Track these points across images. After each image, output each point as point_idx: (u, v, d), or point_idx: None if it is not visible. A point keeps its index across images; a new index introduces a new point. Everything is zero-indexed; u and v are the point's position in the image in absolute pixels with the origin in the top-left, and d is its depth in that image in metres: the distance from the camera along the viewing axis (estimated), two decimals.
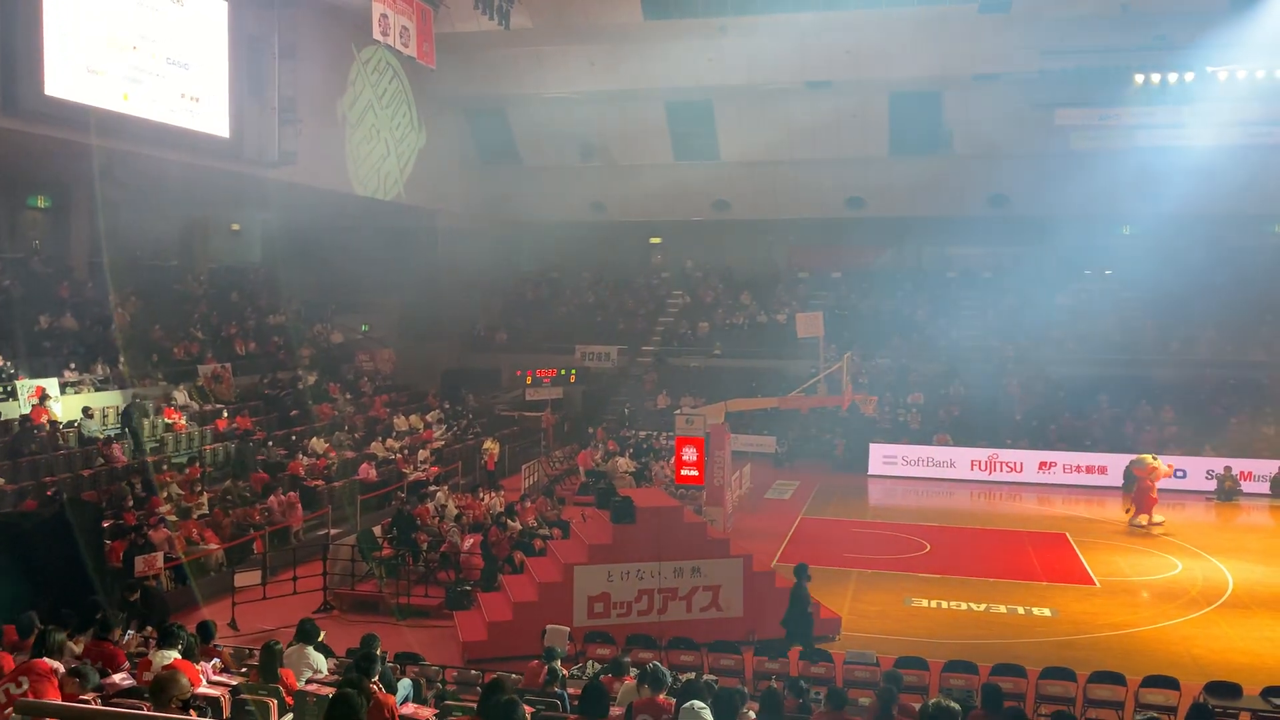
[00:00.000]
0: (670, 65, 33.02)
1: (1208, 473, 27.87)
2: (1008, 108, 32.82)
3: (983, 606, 17.24)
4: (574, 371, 35.59)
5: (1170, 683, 11.97)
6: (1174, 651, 14.87)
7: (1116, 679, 12.20)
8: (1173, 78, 30.74)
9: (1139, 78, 30.92)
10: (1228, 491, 27.07)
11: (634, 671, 10.47)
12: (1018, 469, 29.66)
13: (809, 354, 29.73)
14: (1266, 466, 27.71)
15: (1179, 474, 28.31)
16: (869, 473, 30.45)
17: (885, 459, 30.70)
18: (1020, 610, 17.02)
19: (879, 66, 32.03)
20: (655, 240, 43.20)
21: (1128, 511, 23.93)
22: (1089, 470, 29.13)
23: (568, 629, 13.71)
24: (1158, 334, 34.97)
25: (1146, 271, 37.27)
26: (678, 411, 24.39)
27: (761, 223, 39.45)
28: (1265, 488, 27.36)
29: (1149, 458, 24.10)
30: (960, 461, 30.14)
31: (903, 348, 35.99)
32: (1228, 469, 27.45)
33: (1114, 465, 28.66)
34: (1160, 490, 27.82)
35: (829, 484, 28.89)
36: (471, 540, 18.08)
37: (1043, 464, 29.57)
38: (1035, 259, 38.94)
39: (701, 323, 38.80)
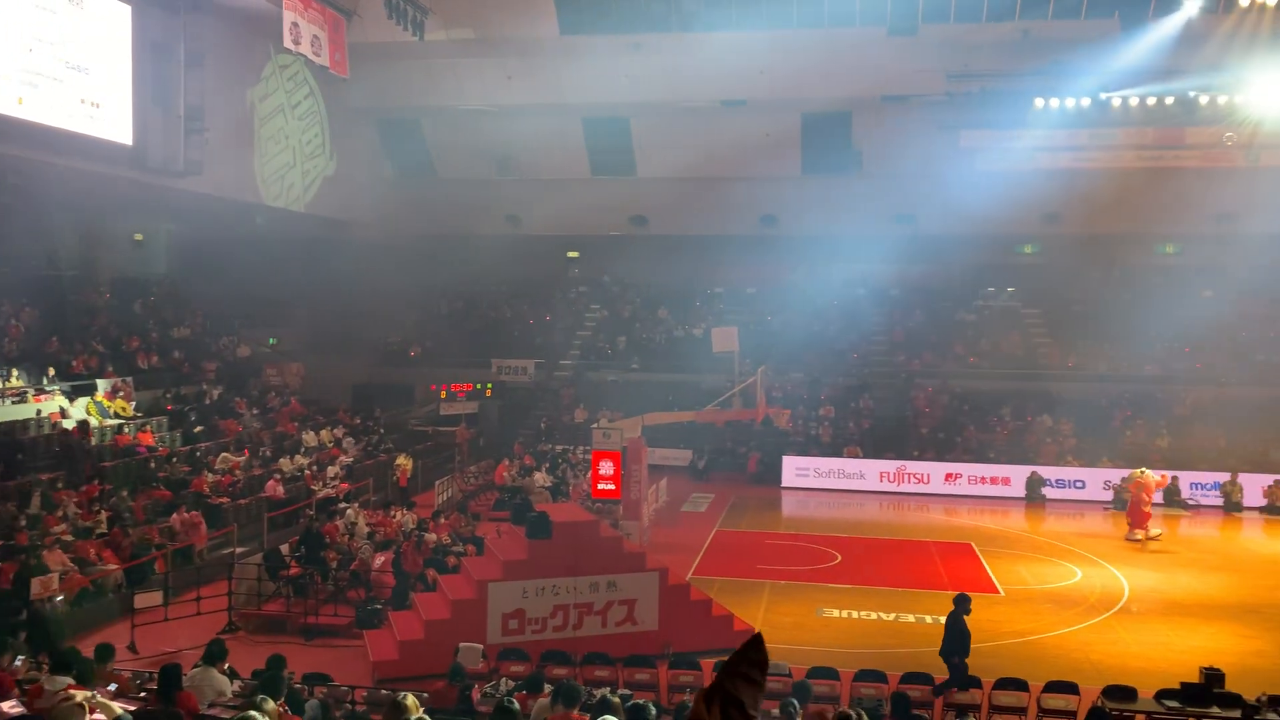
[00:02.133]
0: (587, 81, 33.16)
1: (1105, 483, 28.89)
2: (915, 129, 33.68)
3: (892, 616, 17.56)
4: (490, 386, 35.35)
5: (1070, 688, 12.35)
6: (1074, 657, 15.34)
7: (1020, 685, 12.54)
8: (1070, 102, 31.96)
9: (1039, 101, 32.06)
10: (1124, 501, 28.04)
11: (549, 688, 10.41)
12: (925, 480, 30.34)
13: (725, 368, 30.04)
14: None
15: (1077, 484, 29.39)
16: (783, 485, 30.83)
17: (798, 471, 31.13)
18: (928, 619, 17.37)
19: (791, 87, 32.61)
20: (573, 254, 43.19)
21: (1130, 527, 24.24)
22: (993, 481, 29.95)
23: (481, 646, 13.58)
24: (1057, 349, 36.19)
25: (1047, 289, 38.66)
26: (595, 425, 24.38)
27: (678, 238, 39.76)
28: (1159, 497, 28.43)
29: (1138, 472, 24.67)
30: (870, 473, 30.72)
31: (814, 362, 36.59)
32: (1124, 480, 28.45)
33: (1016, 476, 29.60)
34: (1062, 501, 28.91)
35: (744, 496, 29.17)
36: (382, 558, 17.79)
37: (949, 475, 30.30)
38: (942, 276, 40.03)
39: (619, 337, 38.91)
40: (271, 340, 35.16)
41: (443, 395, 33.66)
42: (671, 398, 33.63)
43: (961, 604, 13.06)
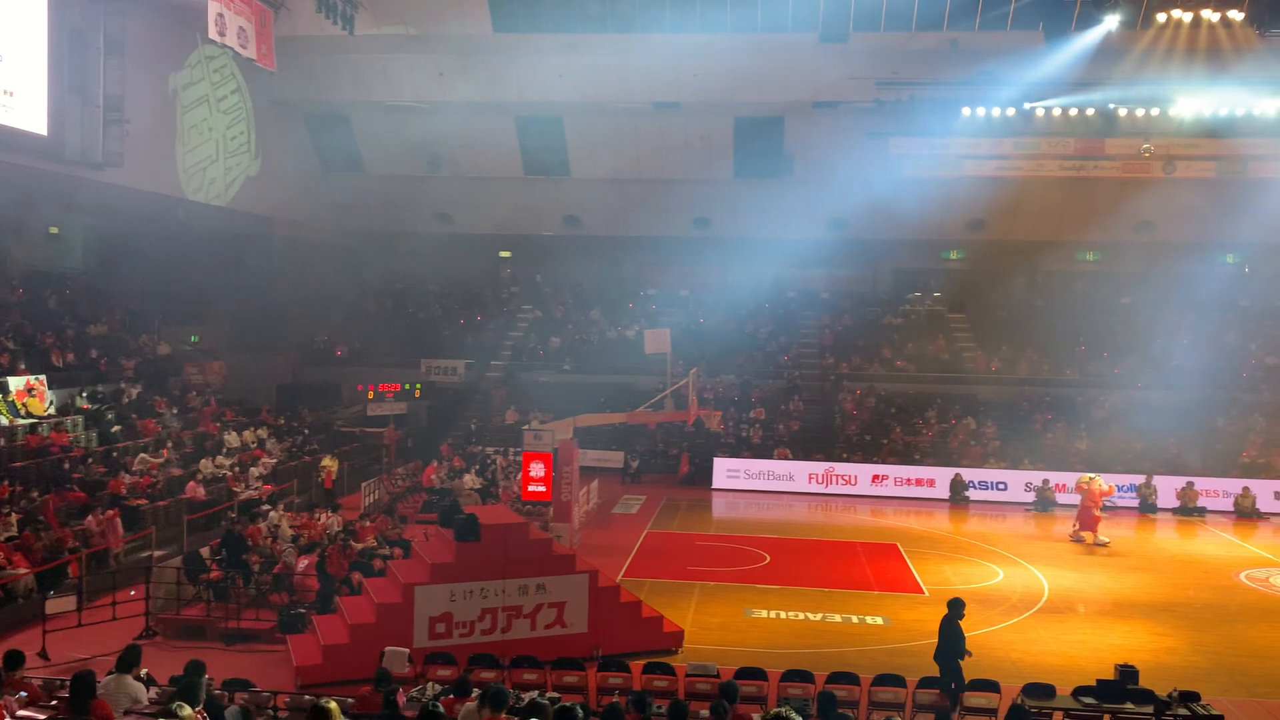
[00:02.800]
0: (520, 80, 33.00)
1: (1026, 485, 29.56)
2: (846, 135, 34.11)
3: (819, 616, 17.74)
4: (419, 386, 34.93)
5: (991, 685, 12.59)
6: (995, 656, 15.64)
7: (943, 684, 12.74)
8: (996, 112, 32.69)
9: (966, 110, 32.72)
10: (1045, 503, 28.76)
11: (476, 692, 10.29)
12: (852, 482, 30.74)
13: (657, 370, 30.11)
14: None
15: (999, 486, 30.03)
16: (713, 486, 30.99)
17: (729, 473, 31.31)
18: (854, 619, 17.60)
19: (724, 90, 32.84)
20: (505, 254, 42.91)
21: (1077, 529, 24.79)
22: (918, 483, 30.46)
23: (407, 650, 13.38)
24: (981, 353, 36.97)
25: (972, 294, 39.51)
26: (526, 427, 24.23)
27: (612, 239, 39.76)
28: (1078, 499, 29.15)
29: (1086, 477, 25.14)
30: (799, 475, 31.03)
31: (746, 364, 36.88)
32: (1045, 482, 29.17)
33: (940, 478, 30.14)
34: (985, 502, 29.51)
35: (675, 498, 29.25)
36: (306, 561, 17.44)
37: (875, 477, 30.74)
38: (870, 281, 40.68)
39: (551, 338, 38.75)
40: (193, 338, 34.27)
41: (370, 396, 33.18)
42: (604, 399, 33.59)
43: (955, 608, 13.17)
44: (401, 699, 11.10)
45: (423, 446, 32.79)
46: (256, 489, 23.74)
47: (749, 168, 36.88)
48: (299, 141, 37.06)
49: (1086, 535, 24.37)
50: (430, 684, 12.42)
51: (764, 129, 35.91)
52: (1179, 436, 31.73)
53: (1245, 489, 28.61)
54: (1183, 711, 11.81)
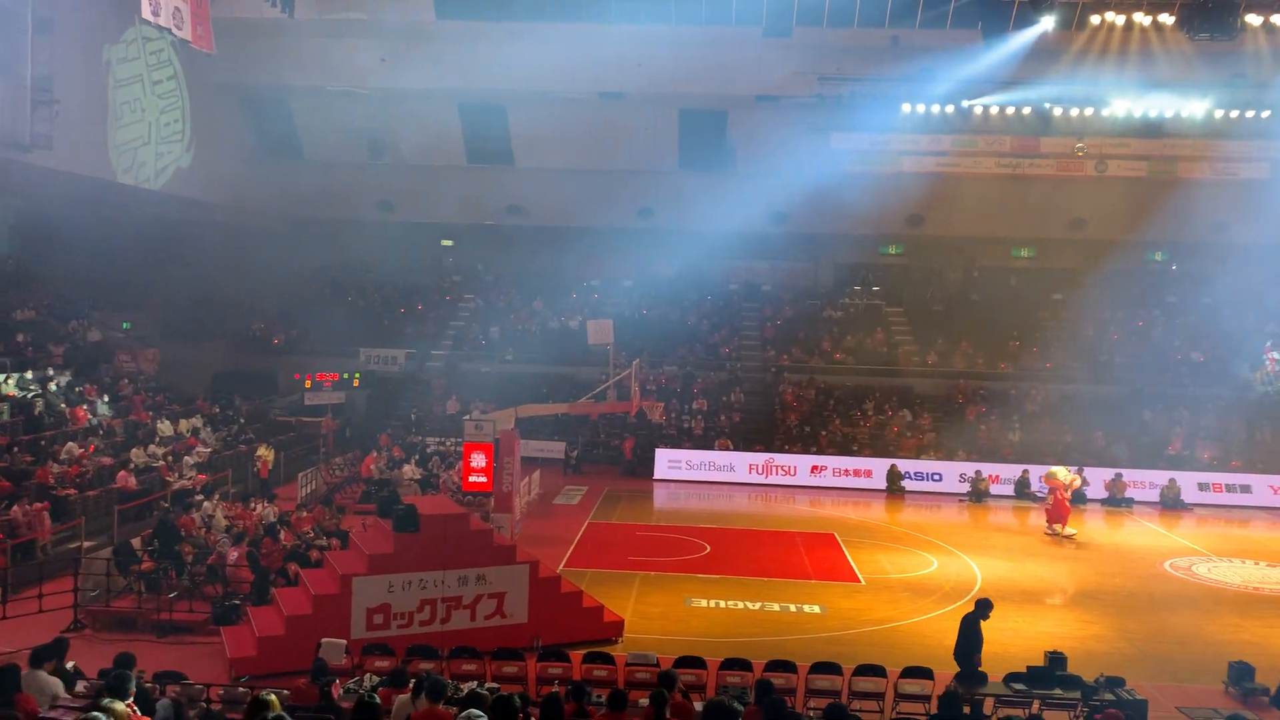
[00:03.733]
0: (464, 67, 32.72)
1: (961, 476, 30.12)
2: (788, 129, 34.38)
3: (758, 605, 17.91)
4: (358, 375, 34.54)
5: (926, 673, 12.83)
6: (929, 644, 15.93)
7: (878, 671, 12.95)
8: (935, 109, 33.18)
9: (906, 106, 33.16)
10: (978, 493, 29.34)
11: (413, 683, 10.24)
12: (792, 472, 31.06)
13: (600, 361, 30.12)
14: (1012, 470, 30.21)
15: (934, 477, 30.56)
16: (655, 477, 31.10)
17: (670, 463, 31.44)
18: (792, 608, 17.80)
19: (669, 82, 32.88)
20: (447, 243, 42.52)
21: (1049, 521, 25.07)
22: (855, 473, 30.87)
23: (344, 642, 13.26)
24: (918, 347, 37.55)
25: (909, 289, 40.10)
26: (467, 417, 24.09)
27: (555, 229, 39.61)
28: (1010, 490, 29.84)
29: (1055, 470, 25.52)
30: (739, 465, 31.27)
31: (688, 356, 37.03)
32: (978, 473, 29.76)
33: (877, 469, 30.58)
34: (920, 492, 30.00)
35: (617, 489, 29.30)
36: (237, 552, 17.16)
37: (814, 468, 31.09)
38: (811, 274, 41.08)
39: (493, 327, 38.53)
40: (125, 325, 33.46)
41: (308, 384, 32.73)
42: (546, 390, 33.52)
43: (982, 609, 13.24)
44: (338, 690, 11.00)
45: (361, 436, 32.44)
46: (190, 479, 23.31)
47: (693, 159, 37.01)
48: (237, 125, 36.35)
49: (1057, 527, 24.78)
50: (368, 675, 12.34)
51: (708, 121, 36.07)
52: (1108, 429, 32.56)
53: (1171, 480, 29.45)
54: (1109, 696, 12.14)
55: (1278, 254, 37.24)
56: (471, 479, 21.39)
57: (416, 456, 27.90)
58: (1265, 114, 32.68)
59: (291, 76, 33.87)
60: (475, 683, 11.91)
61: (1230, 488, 30.00)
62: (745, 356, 37.58)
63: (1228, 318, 38.39)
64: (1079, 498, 28.72)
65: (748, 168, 36.30)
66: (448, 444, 29.30)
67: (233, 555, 17.09)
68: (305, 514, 20.49)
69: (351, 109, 35.21)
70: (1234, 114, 32.88)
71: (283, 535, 18.35)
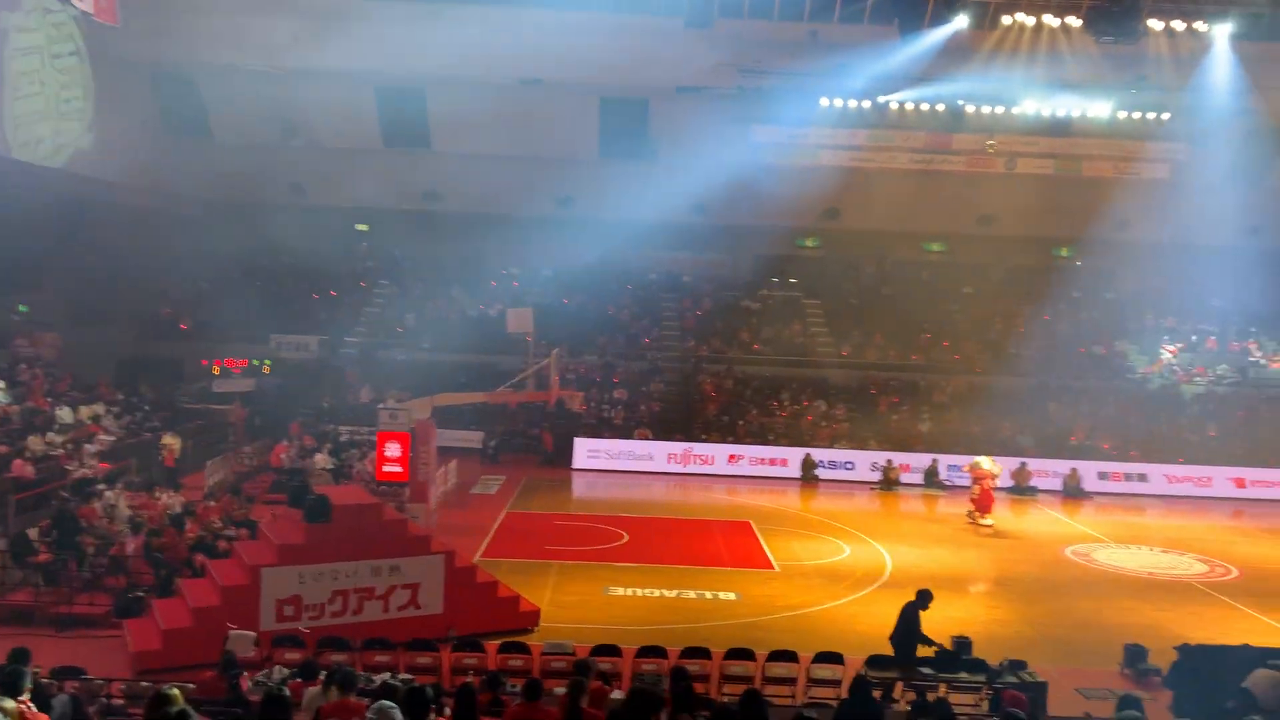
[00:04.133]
0: (380, 49, 32.03)
1: (872, 465, 30.73)
2: (709, 120, 34.52)
3: (674, 593, 18.04)
4: (268, 362, 33.77)
5: (836, 658, 13.08)
6: (841, 629, 16.25)
7: (791, 657, 13.17)
8: (852, 103, 33.66)
9: (824, 101, 33.57)
10: (889, 482, 29.96)
11: (324, 674, 10.08)
12: (709, 461, 31.32)
13: (519, 350, 29.93)
14: (921, 459, 30.93)
15: (847, 466, 31.13)
16: (574, 467, 31.06)
17: (590, 453, 31.44)
18: (708, 595, 17.98)
19: (589, 70, 32.70)
20: (362, 227, 41.67)
21: (972, 514, 25.49)
22: (771, 462, 31.28)
23: (253, 634, 12.99)
24: (833, 338, 38.13)
25: (826, 281, 40.66)
26: (382, 406, 23.70)
27: (474, 216, 39.14)
28: (920, 478, 30.54)
29: (979, 460, 25.88)
30: (658, 455, 31.42)
31: (608, 345, 37.03)
32: (889, 461, 30.40)
33: (792, 458, 31.02)
34: (834, 481, 30.53)
35: (535, 478, 29.19)
36: (135, 543, 16.64)
37: (731, 457, 31.41)
38: (731, 265, 41.37)
39: (409, 315, 37.96)
40: (21, 308, 32.11)
41: (216, 371, 31.91)
42: (463, 378, 33.17)
43: (922, 599, 13.44)
44: (246, 683, 10.78)
45: (271, 424, 31.63)
46: (91, 467, 22.52)
47: (614, 148, 36.95)
48: (142, 103, 35.08)
49: (980, 516, 25.27)
50: (277, 667, 12.11)
51: (629, 110, 36.05)
52: (1014, 420, 33.53)
53: (1073, 470, 30.46)
54: (1011, 679, 12.52)
55: (1177, 252, 38.69)
56: (386, 469, 21.08)
57: (329, 445, 27.39)
58: (1166, 116, 33.89)
59: (200, 54, 32.82)
60: (388, 674, 11.80)
61: (1128, 476, 31.20)
62: (665, 347, 37.72)
63: (1128, 313, 39.87)
64: None
65: (669, 158, 36.35)
66: (361, 433, 28.82)
67: (130, 546, 16.57)
68: (213, 504, 20.00)
69: (263, 89, 34.28)
70: (1137, 115, 34.04)
71: (189, 526, 17.87)
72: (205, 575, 15.29)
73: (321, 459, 25.92)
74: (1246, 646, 13.06)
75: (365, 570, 14.56)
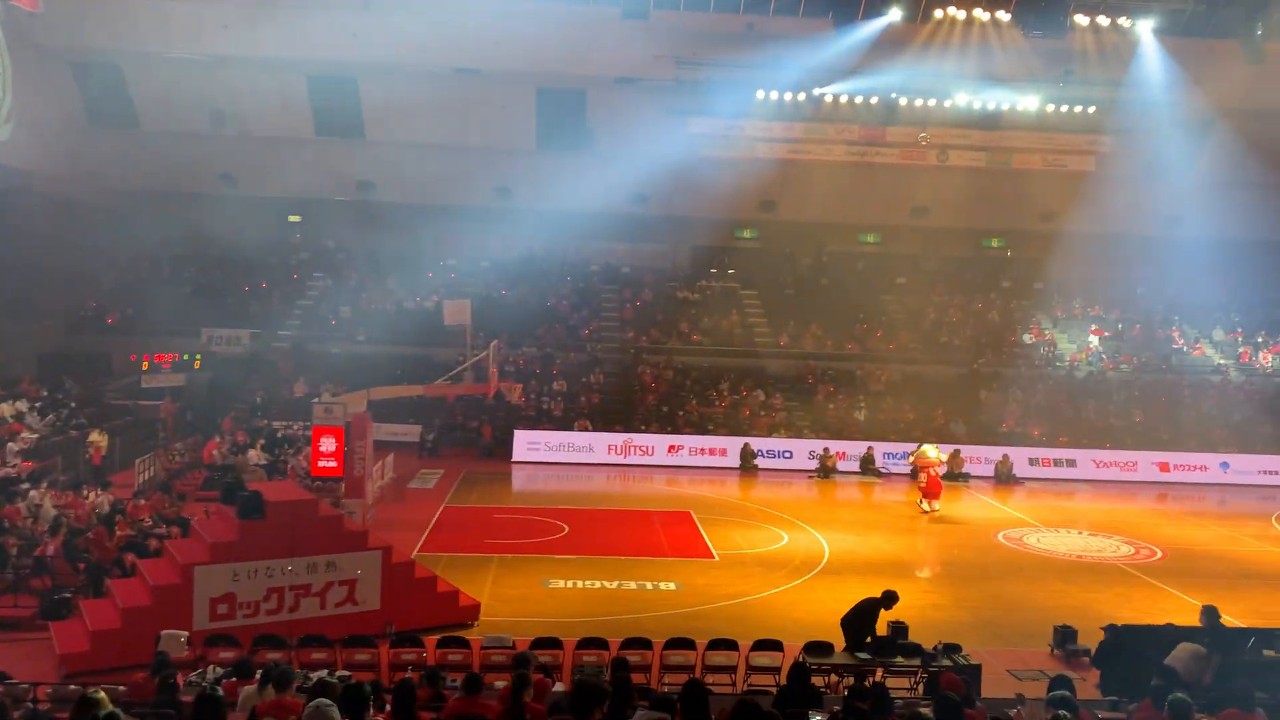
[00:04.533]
0: (312, 36, 31.52)
1: (810, 453, 31.06)
2: (646, 112, 34.54)
3: (615, 584, 18.07)
4: (199, 357, 33.06)
5: (775, 645, 13.21)
6: (780, 616, 16.41)
7: (731, 645, 13.26)
8: (788, 96, 33.90)
9: (760, 93, 33.76)
10: (826, 470, 30.32)
11: (260, 673, 9.92)
12: (650, 452, 31.40)
13: (456, 342, 29.68)
14: (857, 447, 31.36)
15: (785, 455, 31.43)
16: (513, 459, 30.92)
17: (529, 445, 31.32)
18: (649, 586, 18.03)
19: (526, 59, 32.53)
20: (294, 219, 40.98)
21: (921, 501, 25.70)
22: (711, 452, 31.46)
23: (186, 634, 12.74)
24: (771, 329, 38.46)
25: (763, 272, 40.98)
26: (316, 400, 23.39)
27: (410, 206, 38.71)
28: (856, 466, 30.95)
29: (924, 449, 26.08)
30: (598, 446, 31.41)
31: (547, 337, 36.90)
32: (826, 449, 30.75)
33: (732, 447, 31.24)
34: (772, 470, 30.80)
35: (474, 472, 29.00)
36: (54, 543, 16.17)
37: (672, 447, 31.52)
38: (670, 257, 41.50)
39: (344, 307, 37.43)
40: None
41: (145, 366, 31.12)
42: (400, 371, 32.83)
43: (887, 600, 13.54)
44: (181, 683, 10.56)
45: (203, 420, 31.01)
46: (15, 466, 21.87)
47: (552, 139, 36.76)
48: (64, 91, 34.07)
49: (928, 503, 25.58)
50: (211, 667, 11.89)
51: (567, 101, 35.91)
52: (947, 407, 34.15)
53: (1005, 456, 31.12)
54: (946, 663, 12.76)
55: (1103, 242, 39.73)
56: (321, 464, 20.80)
57: (262, 441, 26.95)
58: (1092, 109, 34.69)
59: (126, 41, 31.97)
60: (325, 671, 11.64)
61: (1058, 462, 31.95)
62: (605, 338, 37.71)
63: (1057, 302, 40.81)
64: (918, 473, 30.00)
65: (607, 149, 36.27)
66: (296, 428, 28.37)
67: (50, 547, 16.12)
68: (143, 502, 19.55)
69: (191, 76, 33.49)
70: (1064, 109, 34.78)
71: (119, 524, 17.45)
72: (135, 575, 14.95)
73: (255, 455, 25.51)
74: (1171, 625, 13.49)
75: (301, 567, 14.35)
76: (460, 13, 30.62)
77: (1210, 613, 12.96)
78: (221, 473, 24.07)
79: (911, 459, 27.15)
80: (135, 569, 15.15)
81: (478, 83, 34.03)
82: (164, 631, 12.46)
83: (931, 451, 25.89)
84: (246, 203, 37.45)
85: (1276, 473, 31.88)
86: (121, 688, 10.25)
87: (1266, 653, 13.14)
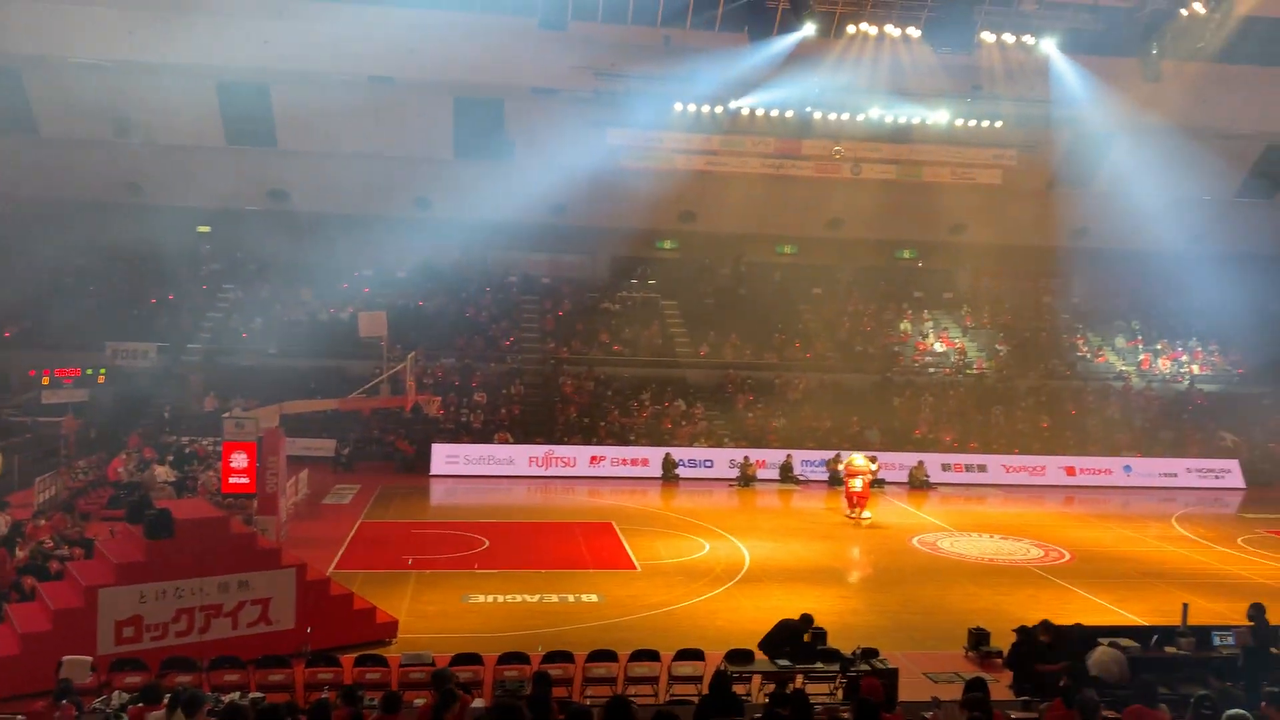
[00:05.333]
0: (222, 43, 30.82)
1: (730, 462, 31.31)
2: (565, 122, 34.49)
3: (536, 597, 17.95)
4: (103, 371, 31.94)
5: (697, 654, 13.25)
6: (702, 625, 16.47)
7: (653, 656, 13.26)
8: (706, 109, 34.21)
9: (679, 105, 34.01)
10: (746, 478, 30.58)
11: (169, 697, 9.61)
12: (571, 464, 31.31)
13: (372, 354, 29.22)
14: (777, 455, 31.71)
15: (706, 464, 31.63)
16: (432, 473, 30.54)
17: (448, 459, 30.98)
18: (570, 598, 17.95)
19: (442, 69, 32.27)
20: (204, 229, 39.90)
21: (851, 511, 25.84)
22: (633, 463, 31.52)
23: (90, 659, 12.27)
24: (691, 339, 38.70)
25: (683, 283, 41.23)
26: (227, 415, 22.79)
27: (324, 216, 38.02)
28: (775, 474, 31.28)
29: (853, 458, 26.23)
30: (519, 459, 31.22)
31: (467, 348, 36.56)
32: (746, 458, 31.03)
33: (653, 457, 31.32)
34: (693, 479, 30.96)
35: (391, 486, 28.57)
36: None
37: (593, 458, 31.49)
38: (590, 267, 41.51)
39: (255, 319, 36.55)
40: None
41: (45, 382, 29.94)
42: (314, 385, 32.21)
43: (805, 621, 13.56)
44: (84, 709, 10.18)
45: (108, 437, 30.01)
46: None
47: (470, 148, 36.48)
48: None
49: (855, 511, 25.83)
50: (117, 693, 11.49)
51: (485, 110, 35.68)
52: (862, 415, 34.75)
53: (919, 462, 31.77)
54: (865, 667, 12.93)
55: (1008, 253, 40.93)
56: (232, 480, 20.29)
57: (171, 457, 26.18)
58: (999, 124, 35.70)
59: (25, 45, 30.86)
60: (237, 693, 11.35)
61: (969, 467, 32.75)
62: (525, 349, 37.50)
63: (966, 311, 41.86)
64: (836, 480, 30.43)
65: (526, 159, 36.10)
66: (205, 443, 27.61)
67: None
68: (43, 522, 18.81)
69: (95, 83, 32.38)
70: (973, 123, 35.74)
71: (18, 546, 16.75)
72: (36, 599, 14.37)
73: (163, 471, 24.77)
74: (1079, 625, 13.88)
75: (212, 587, 13.95)
76: (375, 21, 30.27)
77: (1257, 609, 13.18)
78: (128, 491, 23.31)
79: (842, 467, 27.40)
80: (35, 592, 14.57)
81: (393, 91, 33.64)
82: (66, 657, 11.98)
83: (860, 460, 26.26)
84: (154, 212, 36.34)
85: (1176, 475, 33.18)
86: (20, 717, 9.84)
87: (1168, 649, 13.63)
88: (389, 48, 31.29)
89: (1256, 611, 13.07)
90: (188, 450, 27.25)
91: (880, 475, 30.61)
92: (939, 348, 39.61)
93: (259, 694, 11.34)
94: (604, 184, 35.87)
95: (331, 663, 12.88)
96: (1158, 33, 28.49)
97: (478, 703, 10.26)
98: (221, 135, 35.39)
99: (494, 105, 35.59)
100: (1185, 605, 14.88)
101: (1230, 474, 33.38)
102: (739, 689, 12.04)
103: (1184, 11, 27.29)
